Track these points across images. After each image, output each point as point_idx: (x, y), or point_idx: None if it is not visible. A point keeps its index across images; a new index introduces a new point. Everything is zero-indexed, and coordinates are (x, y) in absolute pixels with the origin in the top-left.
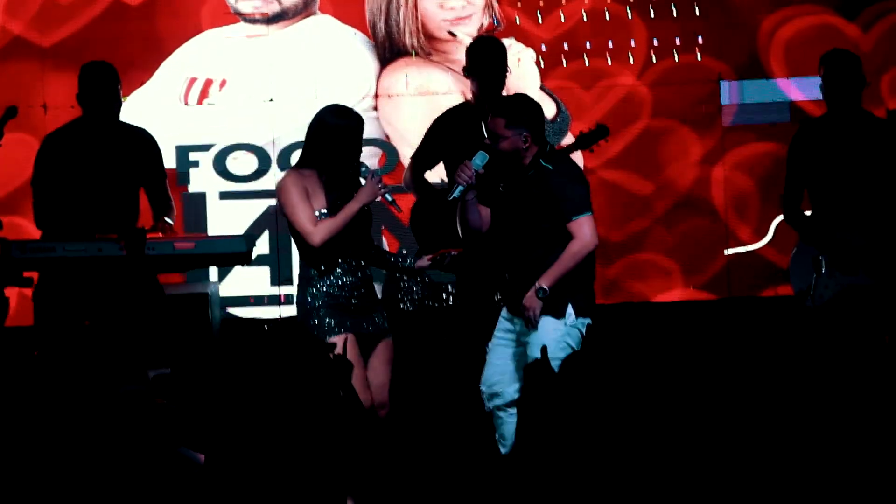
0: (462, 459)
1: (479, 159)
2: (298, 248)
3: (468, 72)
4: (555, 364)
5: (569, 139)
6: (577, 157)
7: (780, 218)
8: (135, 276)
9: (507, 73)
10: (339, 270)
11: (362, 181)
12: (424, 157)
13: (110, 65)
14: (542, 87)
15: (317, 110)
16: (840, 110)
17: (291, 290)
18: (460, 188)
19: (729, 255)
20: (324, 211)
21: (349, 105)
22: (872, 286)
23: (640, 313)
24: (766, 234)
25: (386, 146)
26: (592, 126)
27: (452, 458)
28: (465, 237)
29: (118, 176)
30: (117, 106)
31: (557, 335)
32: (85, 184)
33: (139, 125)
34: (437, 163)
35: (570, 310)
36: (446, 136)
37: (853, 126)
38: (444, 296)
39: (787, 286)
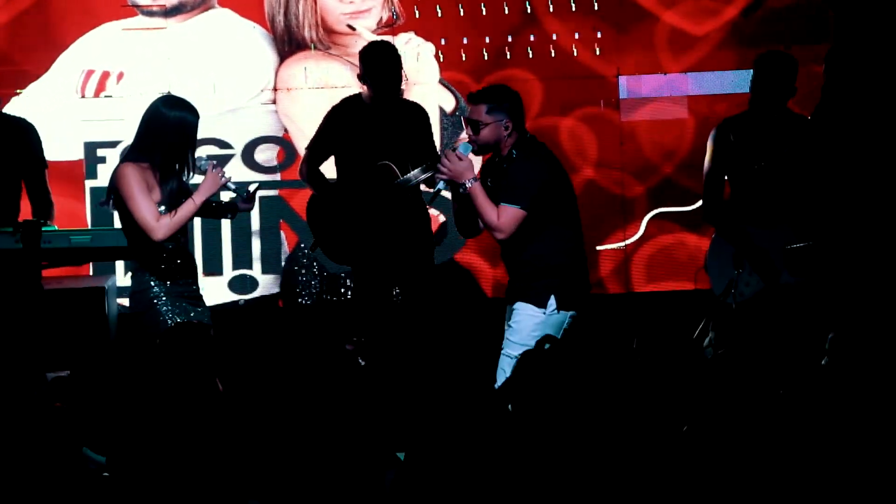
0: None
1: (463, 149)
2: (129, 238)
3: (363, 77)
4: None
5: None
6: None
7: (652, 213)
8: (30, 269)
9: (403, 79)
10: (175, 259)
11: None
12: (318, 149)
13: None
14: (441, 81)
15: (213, 103)
16: (763, 109)
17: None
18: (442, 183)
19: (600, 251)
20: (162, 208)
21: (248, 98)
22: (795, 285)
23: None
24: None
25: (283, 143)
26: None
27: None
28: (461, 231)
29: None
30: None
31: (533, 322)
32: None
33: (26, 116)
34: (330, 155)
35: (552, 300)
36: (339, 128)
37: (776, 124)
38: (343, 290)
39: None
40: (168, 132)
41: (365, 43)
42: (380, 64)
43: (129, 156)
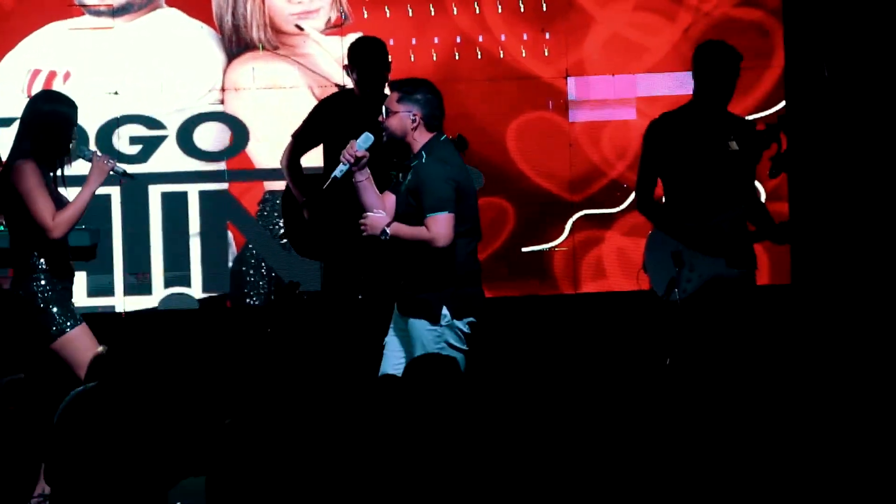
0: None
1: (364, 141)
2: (21, 236)
3: (349, 68)
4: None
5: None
6: None
7: (577, 216)
8: None
9: (388, 71)
10: (62, 258)
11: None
12: (304, 138)
13: None
14: (390, 82)
15: (161, 103)
16: (706, 104)
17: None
18: (341, 168)
19: (525, 252)
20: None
21: (196, 98)
22: (736, 277)
23: None
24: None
25: (235, 123)
26: (453, 135)
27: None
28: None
29: None
30: None
31: (433, 335)
32: None
33: None
34: (317, 145)
35: (444, 311)
36: (328, 120)
37: (715, 121)
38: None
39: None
40: (44, 126)
41: (315, 42)
42: (366, 55)
43: (15, 154)
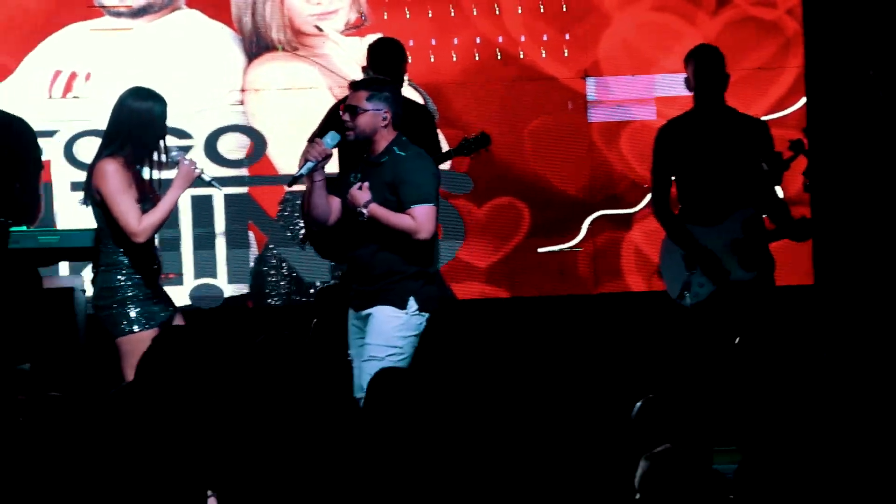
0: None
1: (331, 139)
2: (103, 234)
3: (367, 70)
4: (393, 352)
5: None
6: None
7: (594, 216)
8: None
9: (405, 73)
10: (148, 258)
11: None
12: None
13: None
14: (409, 83)
15: (181, 104)
16: (707, 105)
17: None
18: (308, 165)
19: (541, 252)
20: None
21: (216, 99)
22: (750, 281)
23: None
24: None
25: (253, 134)
26: (476, 133)
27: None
28: (309, 223)
29: None
30: None
31: (396, 323)
32: None
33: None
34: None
35: (412, 301)
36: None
37: (720, 121)
38: (311, 291)
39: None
40: (136, 124)
41: (334, 43)
42: (385, 56)
43: (103, 152)
